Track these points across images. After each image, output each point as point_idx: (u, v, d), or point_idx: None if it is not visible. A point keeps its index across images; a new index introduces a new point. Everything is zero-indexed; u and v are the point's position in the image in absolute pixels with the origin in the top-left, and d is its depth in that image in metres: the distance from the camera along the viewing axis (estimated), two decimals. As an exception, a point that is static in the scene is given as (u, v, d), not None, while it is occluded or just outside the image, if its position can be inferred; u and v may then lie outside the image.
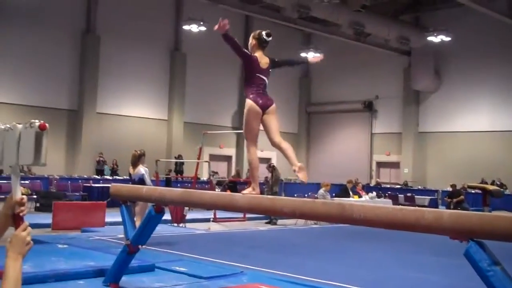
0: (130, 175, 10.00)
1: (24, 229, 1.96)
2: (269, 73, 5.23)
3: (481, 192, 19.24)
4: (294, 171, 5.03)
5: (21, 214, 2.03)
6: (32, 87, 22.67)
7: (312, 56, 28.83)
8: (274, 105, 5.19)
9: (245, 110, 5.08)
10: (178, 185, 19.89)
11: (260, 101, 5.04)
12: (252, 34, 5.26)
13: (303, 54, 29.50)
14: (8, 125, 2.18)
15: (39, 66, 22.78)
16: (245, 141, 5.17)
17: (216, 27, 4.90)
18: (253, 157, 5.19)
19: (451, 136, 27.64)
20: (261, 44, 5.19)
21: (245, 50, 5.08)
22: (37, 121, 2.11)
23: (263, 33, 5.19)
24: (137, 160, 9.75)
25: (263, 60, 5.15)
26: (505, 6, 22.65)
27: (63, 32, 23.49)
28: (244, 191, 5.24)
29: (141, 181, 9.52)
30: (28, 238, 1.95)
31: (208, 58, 26.43)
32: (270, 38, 5.20)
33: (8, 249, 1.91)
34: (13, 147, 2.14)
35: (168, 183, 19.89)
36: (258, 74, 5.11)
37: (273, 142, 5.21)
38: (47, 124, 2.11)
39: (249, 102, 5.04)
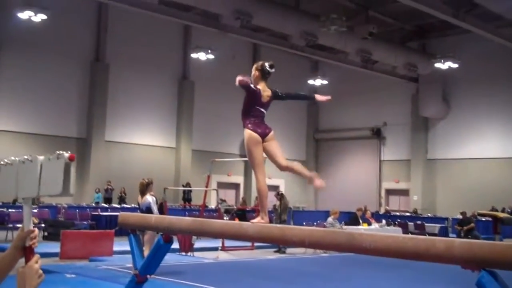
0: (138, 204, 10.00)
1: (36, 261, 1.97)
2: (269, 106, 5.23)
3: (492, 219, 19.07)
4: (309, 182, 5.04)
5: (32, 246, 2.03)
6: (41, 116, 22.85)
7: (315, 81, 29.03)
8: (272, 132, 5.18)
9: (245, 140, 5.08)
10: (186, 213, 19.82)
11: (259, 130, 5.05)
12: (255, 66, 5.24)
13: (310, 81, 29.69)
14: (26, 157, 2.20)
15: (49, 95, 23.00)
16: (252, 170, 5.13)
17: (238, 83, 5.01)
18: (262, 184, 5.11)
19: (460, 163, 27.49)
20: (264, 75, 5.17)
21: (253, 87, 5.06)
22: (65, 152, 2.16)
23: (266, 64, 5.16)
24: (145, 188, 9.74)
25: (265, 92, 5.13)
26: (512, 32, 22.74)
27: (72, 60, 23.76)
28: (253, 220, 5.17)
29: (149, 209, 9.50)
30: (40, 271, 1.96)
31: (216, 86, 26.57)
32: (273, 70, 5.18)
33: (21, 282, 1.92)
34: (31, 179, 2.16)
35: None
36: (258, 107, 5.12)
37: (281, 167, 5.19)
38: (74, 155, 2.17)
39: (247, 132, 5.05)
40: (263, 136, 5.06)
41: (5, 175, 2.23)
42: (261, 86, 5.13)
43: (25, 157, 2.23)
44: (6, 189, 2.23)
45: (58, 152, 2.17)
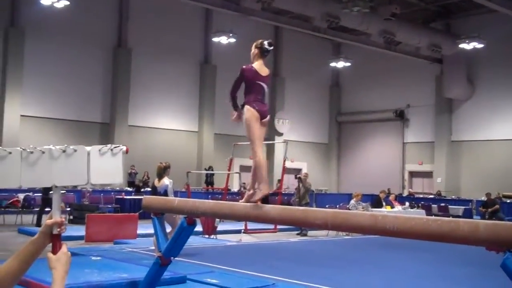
0: (154, 187, 10.01)
1: (66, 248, 2.09)
2: (269, 81, 5.35)
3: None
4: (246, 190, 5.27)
5: (60, 232, 2.12)
6: (65, 101, 23.09)
7: (338, 64, 28.76)
8: (268, 118, 5.31)
9: (245, 116, 5.18)
10: (209, 196, 19.93)
11: (259, 108, 5.17)
12: (254, 44, 5.38)
13: (333, 64, 29.48)
14: (70, 147, 2.25)
15: (72, 80, 23.20)
16: (250, 144, 5.25)
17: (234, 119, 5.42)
18: (260, 157, 5.24)
19: (485, 145, 27.14)
20: (263, 53, 5.32)
21: (239, 75, 5.25)
22: (121, 145, 2.28)
23: (265, 42, 5.33)
24: (162, 172, 9.80)
25: (262, 68, 5.27)
26: (539, 11, 22.25)
27: (95, 47, 23.91)
28: (250, 192, 5.19)
29: (166, 192, 9.56)
30: (70, 254, 2.10)
31: (238, 70, 26.48)
32: (272, 47, 5.35)
33: (57, 267, 2.03)
34: (76, 168, 2.21)
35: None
36: (257, 82, 5.22)
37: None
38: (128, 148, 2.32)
39: (248, 108, 5.16)
40: (262, 117, 5.19)
41: (38, 162, 2.26)
42: (258, 62, 5.28)
43: (67, 146, 2.28)
44: (40, 177, 2.28)
45: (113, 145, 2.27)
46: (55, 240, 2.10)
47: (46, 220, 2.14)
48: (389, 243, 12.03)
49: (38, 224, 14.39)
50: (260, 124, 5.22)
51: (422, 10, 26.86)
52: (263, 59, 5.32)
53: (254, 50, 5.35)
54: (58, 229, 2.11)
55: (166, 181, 9.71)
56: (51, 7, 20.18)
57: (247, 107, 5.18)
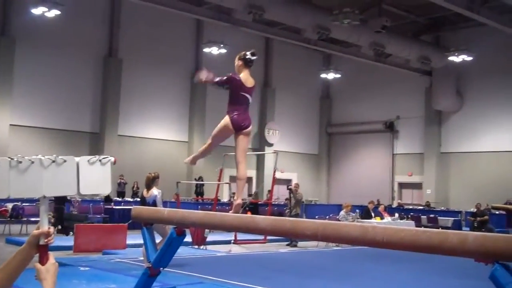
0: (143, 197, 9.95)
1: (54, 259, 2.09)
2: (253, 92, 5.43)
3: (506, 213, 18.97)
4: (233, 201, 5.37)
5: (48, 243, 2.11)
6: (55, 111, 23.00)
7: (328, 75, 28.91)
8: (250, 128, 5.41)
9: (221, 121, 5.33)
10: (199, 207, 19.88)
11: (238, 122, 5.26)
12: (237, 56, 5.44)
13: (323, 75, 29.62)
14: (60, 157, 2.24)
15: (63, 90, 23.14)
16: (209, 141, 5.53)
17: (201, 79, 5.39)
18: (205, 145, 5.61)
19: (474, 156, 27.30)
20: (247, 63, 5.38)
21: (227, 76, 5.28)
22: (109, 156, 2.31)
23: (248, 53, 5.39)
24: (151, 182, 9.76)
25: (248, 79, 5.33)
26: (527, 25, 22.50)
27: (85, 56, 23.88)
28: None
29: (155, 203, 9.51)
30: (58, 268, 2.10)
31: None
32: (255, 57, 5.40)
33: (47, 277, 2.03)
34: (65, 178, 2.20)
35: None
36: (242, 93, 5.29)
37: (236, 160, 5.43)
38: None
39: (226, 119, 5.28)
40: (240, 128, 5.27)
41: (27, 172, 2.24)
42: (244, 73, 5.33)
43: (57, 156, 2.26)
44: (30, 187, 2.26)
45: (102, 156, 2.30)
46: (43, 250, 2.08)
47: (33, 231, 2.13)
48: (378, 254, 12.03)
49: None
50: (241, 135, 5.32)
51: (412, 23, 27.07)
52: (248, 69, 5.37)
53: (238, 62, 5.40)
54: (46, 240, 2.09)
55: (155, 191, 9.66)
56: (41, 16, 20.16)
57: (227, 117, 5.29)
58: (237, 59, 5.42)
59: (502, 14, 21.60)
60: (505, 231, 16.67)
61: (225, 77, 5.28)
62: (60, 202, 14.48)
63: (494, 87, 26.61)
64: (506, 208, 19.31)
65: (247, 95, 5.32)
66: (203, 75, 5.34)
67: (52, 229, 2.16)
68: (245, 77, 5.32)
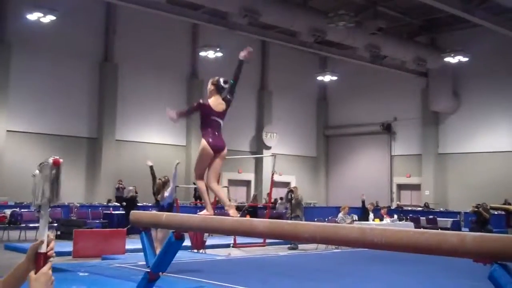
0: (157, 202, 10.20)
1: (49, 268, 2.00)
2: (224, 115, 5.74)
3: (505, 213, 18.97)
4: (226, 211, 5.61)
5: (48, 254, 2.03)
6: (52, 116, 22.97)
7: (324, 78, 28.99)
8: (225, 151, 5.73)
9: (200, 149, 5.66)
10: (198, 210, 19.86)
11: (214, 144, 5.58)
12: (211, 80, 5.80)
13: (319, 78, 29.65)
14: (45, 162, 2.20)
15: (59, 95, 23.11)
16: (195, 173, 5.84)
17: (173, 118, 5.97)
18: (200, 185, 5.88)
19: (472, 157, 27.33)
20: (219, 90, 5.73)
21: (195, 105, 5.75)
22: (49, 158, 2.09)
23: (221, 80, 5.75)
24: (162, 188, 10.03)
25: (218, 105, 5.66)
26: (522, 25, 22.56)
27: (82, 61, 23.86)
28: (200, 213, 5.80)
29: (170, 206, 9.75)
30: (53, 277, 1.99)
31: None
32: (227, 85, 5.74)
33: (35, 286, 1.94)
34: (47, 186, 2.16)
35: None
36: (213, 117, 5.62)
37: (207, 179, 5.79)
38: (59, 160, 2.10)
39: (204, 143, 5.59)
40: (217, 151, 5.62)
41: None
42: (215, 98, 5.69)
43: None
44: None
45: (42, 161, 2.11)
46: (39, 259, 2.02)
47: (32, 244, 2.08)
48: (378, 256, 12.04)
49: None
50: (217, 159, 5.64)
51: (407, 25, 27.12)
52: (219, 95, 5.70)
53: (210, 87, 5.75)
54: (48, 248, 2.03)
55: (166, 193, 9.95)
56: (37, 22, 20.15)
57: (204, 141, 5.59)
58: (210, 83, 5.76)
59: (497, 15, 21.64)
60: (504, 231, 16.68)
61: (194, 105, 5.74)
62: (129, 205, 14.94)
63: (490, 87, 26.66)
64: (505, 208, 19.29)
65: (218, 119, 5.65)
66: (171, 115, 5.88)
67: (52, 239, 2.08)
68: (215, 102, 5.65)
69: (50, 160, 2.08)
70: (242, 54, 5.94)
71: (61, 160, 2.11)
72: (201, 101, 5.71)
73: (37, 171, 2.17)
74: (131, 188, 18.61)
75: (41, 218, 2.17)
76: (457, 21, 24.65)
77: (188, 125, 26.90)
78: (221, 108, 5.67)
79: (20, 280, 2.02)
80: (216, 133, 5.63)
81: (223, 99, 5.73)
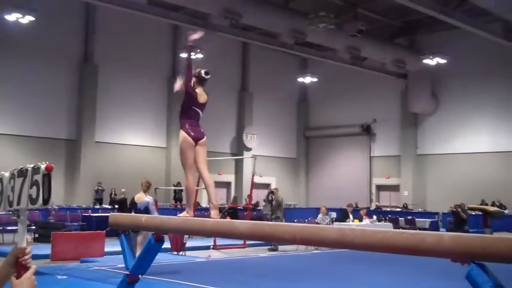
0: (134, 202, 9.98)
1: (33, 273, 2.02)
2: (205, 107, 5.77)
3: (482, 213, 19.19)
4: (209, 208, 5.66)
5: (24, 263, 2.04)
6: (31, 118, 22.73)
7: (305, 79, 29.11)
8: (205, 139, 5.70)
9: (179, 141, 5.62)
10: (178, 212, 19.79)
11: (193, 134, 5.57)
12: (192, 73, 5.80)
13: (300, 79, 29.75)
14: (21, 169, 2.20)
15: (37, 96, 22.86)
16: (184, 170, 5.66)
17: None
18: (190, 184, 5.73)
19: (450, 158, 27.63)
20: (201, 81, 5.76)
21: (191, 83, 5.66)
22: (41, 164, 2.13)
23: (202, 71, 5.77)
24: (146, 189, 9.97)
25: (202, 96, 5.71)
26: (500, 28, 22.85)
27: (61, 62, 23.64)
28: (180, 214, 5.72)
29: (147, 209, 9.58)
30: (35, 282, 2.02)
31: (206, 86, 26.46)
32: (209, 76, 5.79)
33: None
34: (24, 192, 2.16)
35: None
36: (194, 107, 5.65)
37: (201, 173, 5.73)
38: (52, 165, 2.14)
39: (183, 134, 5.57)
40: (197, 140, 5.59)
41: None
42: (198, 90, 5.71)
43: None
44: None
45: (33, 165, 2.14)
46: (20, 268, 2.03)
47: (11, 249, 2.09)
48: (357, 256, 12.11)
49: None
50: (198, 146, 5.59)
51: (387, 26, 27.33)
52: (202, 86, 5.75)
53: (192, 79, 5.73)
54: (25, 258, 2.05)
55: (146, 198, 9.78)
56: (16, 22, 19.91)
57: (182, 133, 5.57)
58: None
59: (475, 17, 21.91)
60: (481, 231, 16.87)
61: (191, 81, 5.64)
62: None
63: (468, 89, 26.98)
64: (482, 208, 19.52)
65: (199, 110, 5.67)
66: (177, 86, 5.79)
67: (30, 248, 2.10)
68: (198, 93, 5.67)
69: (43, 166, 2.10)
70: (192, 37, 5.88)
71: (53, 165, 2.14)
72: (190, 86, 5.65)
73: (5, 174, 2.17)
74: (123, 190, 18.63)
75: (20, 223, 2.17)
76: (436, 23, 24.89)
77: (169, 127, 26.80)
78: (203, 99, 5.71)
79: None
80: (194, 123, 5.63)
81: (205, 93, 5.78)
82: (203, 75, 5.76)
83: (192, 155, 5.58)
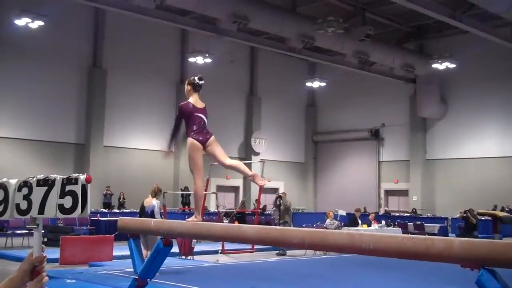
0: (143, 207, 10.19)
1: (40, 281, 2.07)
2: (206, 111, 5.74)
3: (491, 219, 19.10)
4: (251, 180, 5.61)
5: (40, 271, 2.09)
6: (40, 122, 22.83)
7: (313, 84, 29.12)
8: (213, 137, 5.71)
9: (188, 147, 5.64)
10: (186, 217, 19.80)
11: (200, 138, 5.57)
12: (186, 81, 5.82)
13: (308, 84, 29.74)
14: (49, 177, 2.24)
15: (46, 101, 22.97)
16: (192, 174, 5.69)
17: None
18: (198, 187, 5.73)
19: (459, 163, 27.50)
20: (195, 88, 5.75)
21: (178, 111, 5.75)
22: (81, 175, 2.22)
23: (196, 78, 5.77)
24: (158, 192, 10.18)
25: (198, 102, 5.69)
26: (509, 32, 22.76)
27: (70, 66, 23.75)
28: (189, 219, 5.74)
29: (153, 213, 9.74)
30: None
31: (214, 90, 26.52)
32: (203, 82, 5.77)
33: None
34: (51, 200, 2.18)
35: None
36: (195, 114, 5.62)
37: (225, 165, 5.72)
38: (91, 177, 2.24)
39: (190, 140, 5.59)
40: (204, 142, 5.59)
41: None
42: (193, 97, 5.70)
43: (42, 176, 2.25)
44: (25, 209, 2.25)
45: (74, 175, 2.22)
46: (36, 274, 2.08)
47: (26, 257, 2.11)
48: (366, 261, 12.06)
49: None
50: (210, 147, 5.62)
51: (395, 31, 27.29)
52: (197, 93, 5.74)
53: (187, 87, 5.77)
54: (41, 266, 2.10)
55: (154, 201, 9.94)
56: (25, 27, 20.04)
57: (189, 139, 5.58)
58: (186, 84, 5.78)
59: (484, 21, 21.84)
60: (491, 237, 16.78)
61: (178, 115, 5.73)
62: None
63: (477, 93, 26.87)
64: (492, 214, 19.42)
65: (201, 115, 5.65)
66: (164, 153, 6.15)
67: (46, 256, 2.15)
68: (195, 100, 5.67)
69: (82, 177, 2.19)
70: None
71: (91, 177, 2.24)
72: (180, 103, 5.73)
73: (10, 181, 2.19)
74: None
75: (37, 231, 2.20)
76: (445, 27, 24.85)
77: (177, 131, 26.80)
78: (201, 105, 5.70)
79: None
80: (200, 127, 5.62)
81: (200, 100, 5.78)
82: (197, 81, 5.76)
83: (200, 159, 5.60)
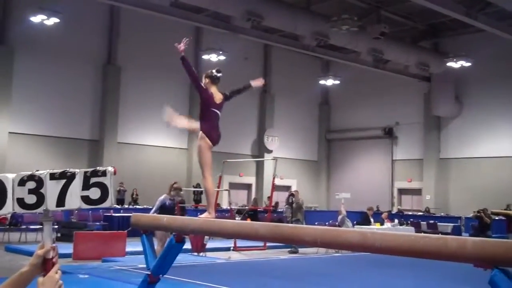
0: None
1: (56, 272, 2.04)
2: (222, 107, 5.78)
3: (505, 218, 18.91)
4: (254, 85, 6.06)
5: (53, 260, 2.09)
6: (55, 118, 22.99)
7: (327, 81, 29.03)
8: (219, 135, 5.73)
9: (199, 142, 5.68)
10: (198, 213, 19.86)
11: (213, 136, 5.62)
12: (204, 75, 5.84)
13: (322, 82, 29.67)
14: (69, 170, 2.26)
15: (62, 98, 23.13)
16: (201, 170, 5.74)
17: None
18: (209, 183, 5.78)
19: (473, 162, 27.30)
20: (214, 81, 5.79)
21: (201, 84, 5.69)
22: (109, 167, 2.27)
23: (214, 70, 5.82)
24: (169, 190, 10.50)
25: (217, 96, 5.71)
26: (525, 30, 22.55)
27: (85, 63, 23.89)
28: (201, 216, 5.78)
29: (170, 208, 10.14)
30: (60, 281, 2.03)
31: (228, 87, 26.52)
32: (221, 74, 5.81)
33: None
34: (72, 192, 2.21)
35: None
36: (213, 109, 5.65)
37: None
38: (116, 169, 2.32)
39: (202, 136, 5.61)
40: (217, 142, 5.67)
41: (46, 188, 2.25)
42: (213, 90, 5.72)
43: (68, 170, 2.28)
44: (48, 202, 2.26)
45: (101, 167, 2.27)
46: (48, 265, 2.07)
47: (36, 251, 2.11)
48: (378, 260, 12.02)
49: None
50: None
51: (410, 29, 27.13)
52: (216, 86, 5.78)
53: (205, 80, 5.79)
54: (53, 254, 2.09)
55: (162, 196, 10.28)
56: (41, 24, 20.19)
57: (202, 135, 5.59)
58: (204, 78, 5.79)
59: (500, 20, 21.66)
60: (504, 237, 16.64)
61: (198, 79, 5.70)
62: None
63: (492, 92, 26.65)
64: (506, 213, 19.23)
65: (217, 111, 5.68)
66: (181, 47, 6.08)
67: (56, 247, 2.15)
68: (214, 92, 5.70)
69: (111, 169, 2.25)
70: (255, 83, 6.05)
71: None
72: (204, 88, 5.69)
73: (8, 176, 2.20)
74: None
75: (47, 224, 2.21)
76: (460, 26, 24.66)
77: (190, 128, 26.88)
78: (219, 99, 5.71)
79: (22, 285, 2.04)
80: (215, 126, 5.66)
81: (219, 92, 5.77)
82: (215, 73, 5.78)
83: (210, 156, 5.66)
